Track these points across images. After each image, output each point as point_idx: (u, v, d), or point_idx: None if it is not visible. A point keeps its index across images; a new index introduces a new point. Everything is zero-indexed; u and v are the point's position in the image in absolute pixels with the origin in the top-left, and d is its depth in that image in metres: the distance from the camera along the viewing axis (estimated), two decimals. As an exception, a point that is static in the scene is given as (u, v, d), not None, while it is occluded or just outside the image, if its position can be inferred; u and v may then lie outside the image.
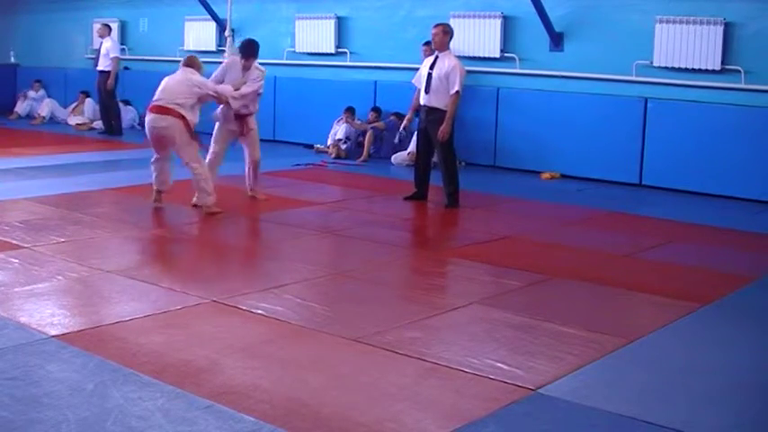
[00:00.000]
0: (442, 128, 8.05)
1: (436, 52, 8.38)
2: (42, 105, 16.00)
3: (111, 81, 13.58)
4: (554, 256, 6.36)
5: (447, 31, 8.32)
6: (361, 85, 12.35)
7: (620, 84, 10.10)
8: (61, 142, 12.87)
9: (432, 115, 8.19)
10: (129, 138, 13.47)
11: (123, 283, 5.19)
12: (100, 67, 13.76)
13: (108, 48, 13.68)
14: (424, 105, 8.30)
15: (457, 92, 8.03)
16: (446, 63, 8.15)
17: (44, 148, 11.76)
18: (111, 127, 13.90)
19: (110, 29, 14.03)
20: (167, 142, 7.38)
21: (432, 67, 8.23)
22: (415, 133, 11.19)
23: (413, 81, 8.68)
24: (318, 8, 12.86)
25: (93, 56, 14.41)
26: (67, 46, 14.72)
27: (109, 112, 13.94)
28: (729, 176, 9.20)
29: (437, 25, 8.43)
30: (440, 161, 8.34)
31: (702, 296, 5.35)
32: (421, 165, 8.54)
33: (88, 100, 15.36)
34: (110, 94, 13.78)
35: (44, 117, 15.75)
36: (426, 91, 8.24)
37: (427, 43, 11.20)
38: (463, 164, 11.09)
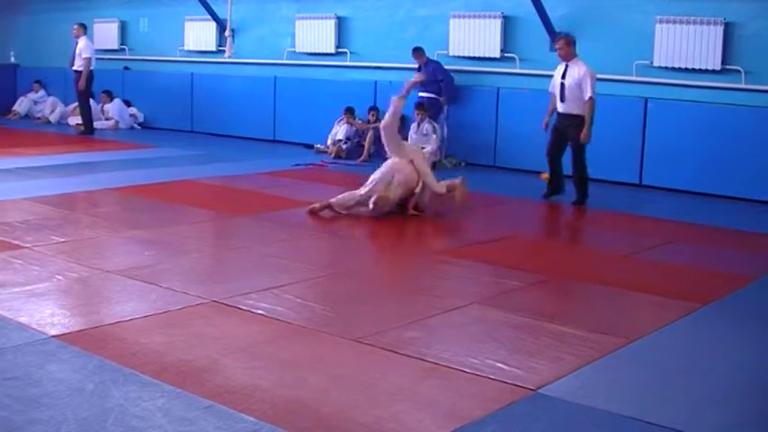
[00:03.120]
0: (583, 132, 8.46)
1: (565, 62, 8.68)
2: (49, 106, 16.00)
3: (82, 82, 13.55)
4: (554, 256, 6.36)
5: (569, 42, 8.73)
6: (361, 85, 12.34)
7: (620, 84, 10.09)
8: (61, 142, 12.87)
9: (569, 120, 8.62)
10: (129, 138, 13.48)
11: (123, 283, 5.19)
12: (75, 67, 13.74)
13: (81, 48, 13.65)
14: (562, 113, 8.68)
15: (591, 97, 8.40)
16: (576, 72, 8.50)
17: (44, 148, 11.76)
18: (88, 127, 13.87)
19: (85, 28, 14.00)
20: None
21: (564, 77, 8.59)
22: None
23: (549, 89, 8.99)
24: (318, 8, 12.86)
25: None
26: (67, 46, 14.72)
27: (83, 111, 13.91)
28: (729, 176, 9.20)
29: (559, 39, 8.93)
30: (573, 162, 8.67)
31: (702, 296, 5.35)
32: (554, 163, 8.88)
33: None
34: (82, 94, 13.75)
35: (49, 119, 15.76)
36: (562, 99, 8.65)
37: (415, 51, 11.18)
38: (463, 163, 11.10)
